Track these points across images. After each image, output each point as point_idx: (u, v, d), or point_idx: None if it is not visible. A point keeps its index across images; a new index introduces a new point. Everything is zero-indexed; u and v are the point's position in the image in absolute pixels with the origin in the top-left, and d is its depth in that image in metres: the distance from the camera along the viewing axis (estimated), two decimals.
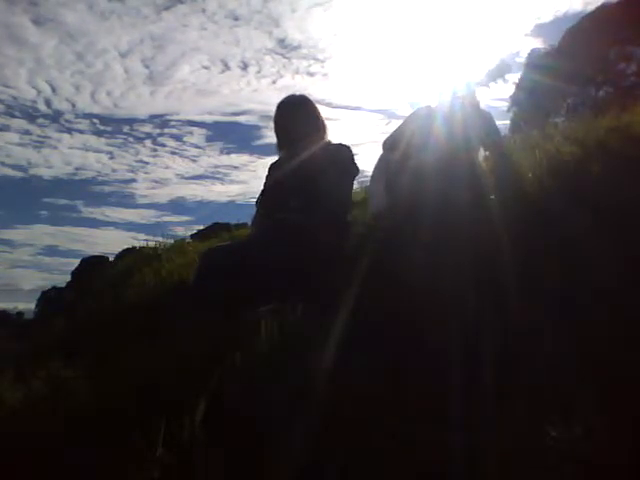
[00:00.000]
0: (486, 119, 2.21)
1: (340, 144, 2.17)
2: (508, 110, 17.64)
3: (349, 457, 1.01)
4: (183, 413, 1.18)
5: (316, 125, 2.20)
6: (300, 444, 1.05)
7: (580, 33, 15.81)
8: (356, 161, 2.16)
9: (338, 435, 1.06)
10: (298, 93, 2.26)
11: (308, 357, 1.32)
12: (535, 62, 16.95)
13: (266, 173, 2.31)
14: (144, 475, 1.06)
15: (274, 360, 1.34)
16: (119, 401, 1.30)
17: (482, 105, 2.23)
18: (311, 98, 2.25)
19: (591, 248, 1.56)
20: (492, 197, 2.00)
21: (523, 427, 1.02)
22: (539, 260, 1.61)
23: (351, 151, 2.15)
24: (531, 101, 15.56)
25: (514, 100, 16.94)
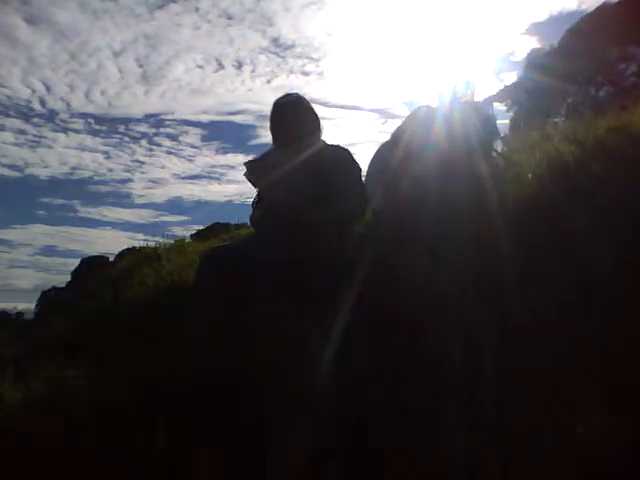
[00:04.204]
0: (486, 119, 2.20)
1: (338, 146, 2.17)
2: (508, 110, 17.62)
3: (349, 457, 1.01)
4: (184, 413, 1.18)
5: (314, 125, 2.19)
6: (301, 444, 1.05)
7: (580, 33, 15.79)
8: (357, 160, 2.16)
9: (338, 435, 1.06)
10: (293, 92, 2.24)
11: (308, 357, 1.32)
12: (535, 62, 16.92)
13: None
14: (145, 475, 1.06)
15: (274, 360, 1.34)
16: (119, 401, 1.30)
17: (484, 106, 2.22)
18: (307, 97, 2.24)
19: (591, 248, 1.56)
20: (491, 197, 2.00)
21: (523, 427, 1.02)
22: (539, 260, 1.61)
23: (350, 153, 2.15)
24: (531, 101, 15.53)
25: (514, 100, 16.91)
